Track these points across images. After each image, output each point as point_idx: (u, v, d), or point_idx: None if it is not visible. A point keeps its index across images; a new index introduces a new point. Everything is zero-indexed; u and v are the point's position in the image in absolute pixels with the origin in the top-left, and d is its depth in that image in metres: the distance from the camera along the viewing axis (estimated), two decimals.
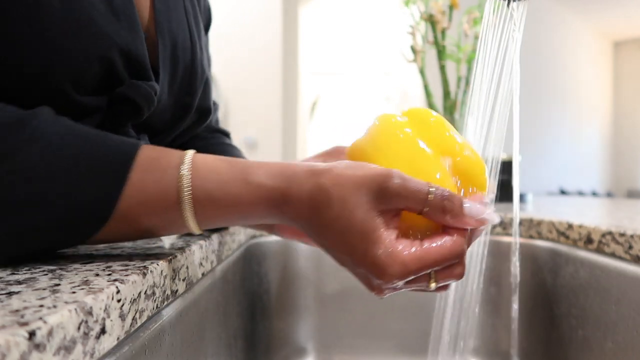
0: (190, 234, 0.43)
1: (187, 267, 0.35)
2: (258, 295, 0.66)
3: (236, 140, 0.63)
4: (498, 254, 0.67)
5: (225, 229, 0.49)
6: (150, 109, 0.40)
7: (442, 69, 1.10)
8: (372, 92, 6.31)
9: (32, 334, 0.16)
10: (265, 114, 2.81)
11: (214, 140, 0.58)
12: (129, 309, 0.25)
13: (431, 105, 1.14)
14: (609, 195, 4.53)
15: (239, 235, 0.56)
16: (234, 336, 0.52)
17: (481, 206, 0.31)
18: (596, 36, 5.00)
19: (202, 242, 0.40)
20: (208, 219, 0.31)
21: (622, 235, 0.48)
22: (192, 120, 0.50)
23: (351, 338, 0.69)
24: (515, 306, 0.54)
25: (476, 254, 0.43)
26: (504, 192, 0.95)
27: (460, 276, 0.32)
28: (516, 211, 0.45)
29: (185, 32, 0.46)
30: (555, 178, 4.29)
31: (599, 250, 0.51)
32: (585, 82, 4.81)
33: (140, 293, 0.26)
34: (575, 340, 0.53)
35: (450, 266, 0.31)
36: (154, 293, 0.28)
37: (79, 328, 0.19)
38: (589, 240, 0.53)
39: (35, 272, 0.26)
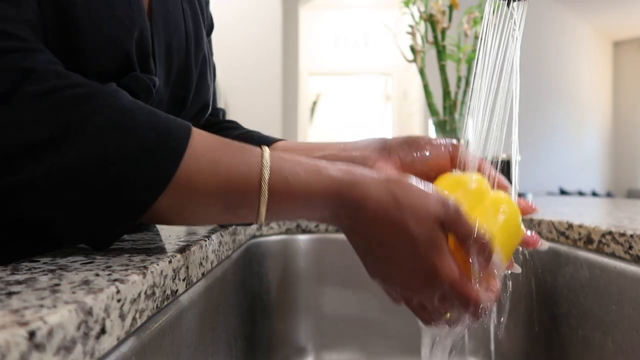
0: (191, 234, 0.43)
1: (187, 267, 0.35)
2: (258, 295, 0.66)
3: None
4: None
5: (225, 227, 0.49)
6: (148, 101, 0.40)
7: (442, 69, 1.10)
8: (372, 92, 6.31)
9: (32, 334, 0.16)
10: (265, 114, 2.81)
11: (243, 130, 0.58)
12: (129, 309, 0.25)
13: (431, 105, 1.14)
14: (609, 195, 4.53)
15: (239, 235, 0.56)
16: (234, 336, 0.52)
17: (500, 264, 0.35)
18: (596, 36, 5.00)
19: (202, 242, 0.40)
20: (279, 205, 0.32)
21: (622, 235, 0.48)
22: (190, 115, 0.50)
23: (351, 338, 0.69)
24: (515, 306, 0.54)
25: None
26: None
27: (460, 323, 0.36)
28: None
29: (181, 30, 0.46)
30: (555, 178, 4.28)
31: (599, 250, 0.51)
32: (585, 81, 4.81)
33: (140, 293, 0.26)
34: (575, 340, 0.53)
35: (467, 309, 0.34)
36: (154, 293, 0.28)
37: (79, 328, 0.19)
38: (589, 240, 0.53)
39: (35, 272, 0.26)
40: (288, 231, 0.71)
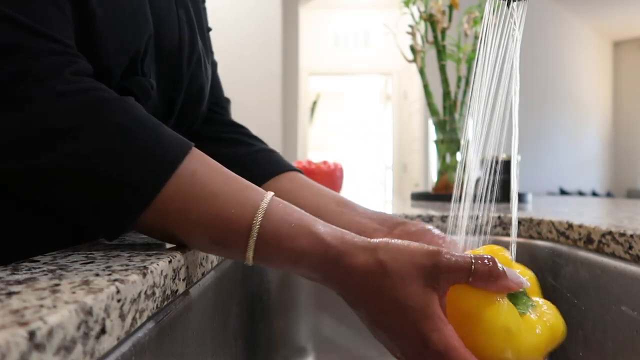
0: None
1: (187, 267, 0.35)
2: (258, 295, 0.66)
3: None
4: None
5: None
6: (147, 102, 0.41)
7: (442, 69, 1.10)
8: (372, 92, 6.31)
9: (32, 334, 0.16)
10: (265, 113, 2.81)
11: (256, 147, 0.59)
12: (129, 309, 0.25)
13: (431, 105, 1.14)
14: (609, 195, 4.53)
15: None
16: (234, 336, 0.52)
17: (515, 272, 0.33)
18: (596, 36, 5.00)
19: None
20: (265, 249, 0.32)
21: (622, 235, 0.48)
22: (179, 110, 0.51)
23: (351, 338, 0.69)
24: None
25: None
26: (504, 192, 0.95)
27: None
28: (515, 211, 0.45)
29: (174, 35, 0.47)
30: (555, 178, 4.29)
31: (599, 250, 0.51)
32: (585, 81, 4.81)
33: (140, 293, 0.26)
34: (575, 340, 0.53)
35: None
36: (154, 293, 0.28)
37: (78, 328, 0.19)
38: (589, 240, 0.53)
39: (35, 272, 0.26)
40: None
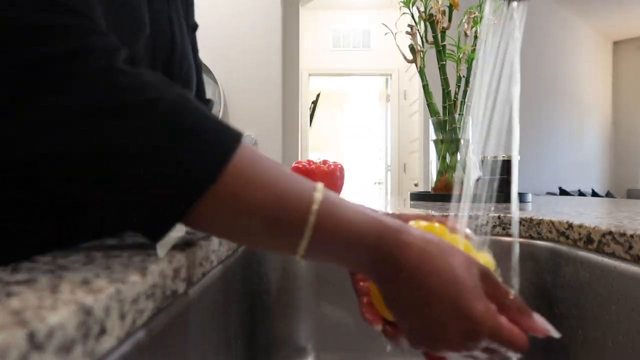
0: (191, 233, 0.43)
1: (187, 267, 0.35)
2: (258, 295, 0.66)
3: None
4: (498, 254, 0.67)
5: None
6: None
7: (442, 69, 1.10)
8: (372, 92, 6.31)
9: (32, 335, 0.16)
10: (265, 114, 2.81)
11: None
12: (129, 309, 0.25)
13: (431, 105, 1.14)
14: (609, 195, 4.53)
15: None
16: (234, 336, 0.52)
17: (544, 322, 0.36)
18: (596, 36, 5.00)
19: (202, 242, 0.40)
20: (322, 230, 0.31)
21: (622, 235, 0.48)
22: None
23: (351, 338, 0.69)
24: None
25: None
26: (504, 192, 0.95)
27: None
28: (515, 211, 0.45)
29: (166, 37, 0.47)
30: (555, 178, 4.28)
31: (599, 250, 0.51)
32: (585, 81, 4.81)
33: (140, 293, 0.26)
34: (575, 340, 0.53)
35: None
36: (154, 293, 0.28)
37: (78, 328, 0.19)
38: (589, 240, 0.53)
39: (35, 272, 0.26)
40: None
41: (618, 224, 0.53)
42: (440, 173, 1.11)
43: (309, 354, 0.69)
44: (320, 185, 0.33)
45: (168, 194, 0.28)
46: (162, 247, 0.33)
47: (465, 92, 1.11)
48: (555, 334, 0.35)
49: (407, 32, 1.16)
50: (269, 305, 0.68)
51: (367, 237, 0.32)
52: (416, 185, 3.63)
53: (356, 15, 4.39)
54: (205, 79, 0.94)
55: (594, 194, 4.17)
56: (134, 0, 0.40)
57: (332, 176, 1.09)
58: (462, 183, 1.13)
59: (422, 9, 1.12)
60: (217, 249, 0.45)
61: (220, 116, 2.61)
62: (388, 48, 4.20)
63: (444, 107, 1.12)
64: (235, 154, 0.30)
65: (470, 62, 1.12)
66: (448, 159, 1.10)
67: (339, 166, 1.12)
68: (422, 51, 1.15)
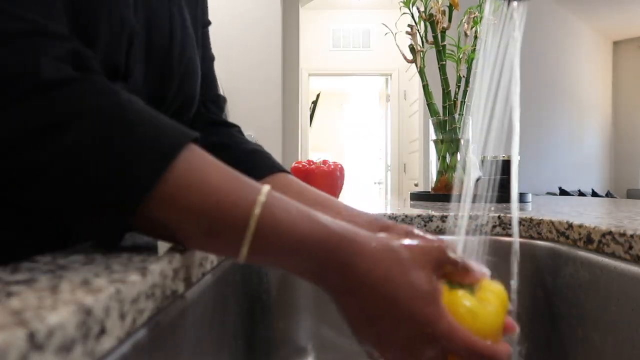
0: None
1: (187, 267, 0.35)
2: (258, 295, 0.66)
3: None
4: (497, 254, 0.67)
5: None
6: None
7: (442, 69, 1.10)
8: (371, 92, 6.31)
9: (31, 335, 0.16)
10: (265, 114, 2.81)
11: (244, 148, 0.58)
12: (129, 309, 0.25)
13: (431, 105, 1.14)
14: (609, 195, 4.53)
15: None
16: (234, 336, 0.52)
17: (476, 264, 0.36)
18: (596, 36, 5.00)
19: None
20: (263, 238, 0.30)
21: (622, 235, 0.48)
22: (171, 109, 0.51)
23: (351, 338, 0.69)
24: (514, 306, 0.54)
25: (476, 254, 0.43)
26: (504, 192, 0.95)
27: None
28: (515, 211, 0.45)
29: (164, 32, 0.47)
30: (555, 178, 4.28)
31: (599, 250, 0.51)
32: (584, 81, 4.81)
33: (140, 293, 0.26)
34: (575, 340, 0.53)
35: None
36: (153, 293, 0.28)
37: (78, 328, 0.19)
38: (589, 240, 0.53)
39: (35, 272, 0.26)
40: None
41: (618, 224, 0.53)
42: (440, 173, 1.11)
43: (309, 354, 0.69)
44: (265, 189, 0.31)
45: (109, 203, 0.29)
46: (162, 247, 0.33)
47: (465, 92, 1.11)
48: (485, 271, 0.37)
49: (407, 32, 1.16)
50: (269, 305, 0.68)
51: (312, 243, 0.31)
52: (416, 185, 3.63)
53: (356, 15, 4.39)
54: None
55: (594, 194, 4.17)
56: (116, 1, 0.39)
57: (332, 176, 1.09)
58: (462, 183, 1.13)
59: (422, 9, 1.12)
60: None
61: None
62: (388, 48, 4.20)
63: (444, 107, 1.12)
64: (175, 160, 0.29)
65: (470, 62, 1.12)
66: (448, 159, 1.10)
67: (339, 166, 1.12)
68: (422, 51, 1.15)
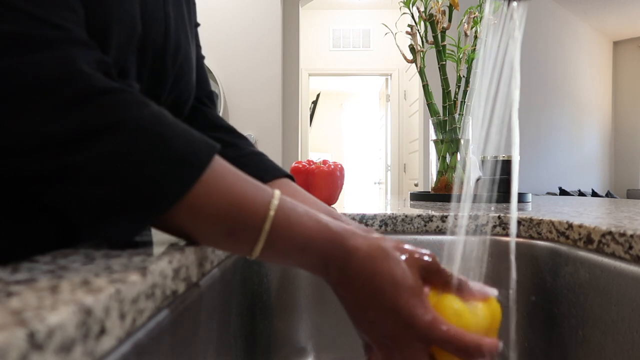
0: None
1: (187, 267, 0.35)
2: (258, 295, 0.66)
3: None
4: (497, 254, 0.67)
5: None
6: None
7: (442, 69, 1.10)
8: (371, 92, 6.31)
9: (31, 334, 0.16)
10: (265, 114, 2.81)
11: (245, 151, 0.59)
12: (129, 309, 0.25)
13: (431, 105, 1.14)
14: (609, 195, 4.53)
15: None
16: (234, 336, 0.52)
17: (482, 287, 0.38)
18: (596, 36, 5.00)
19: None
20: (276, 236, 0.34)
21: (622, 235, 0.48)
22: (164, 106, 0.51)
23: (351, 338, 0.69)
24: (514, 306, 0.54)
25: (476, 254, 0.43)
26: (504, 192, 0.95)
27: None
28: (514, 211, 0.45)
29: (159, 31, 0.47)
30: (555, 178, 4.29)
31: (598, 250, 0.51)
32: (585, 81, 4.81)
33: (140, 293, 0.26)
34: (575, 340, 0.53)
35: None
36: (153, 293, 0.28)
37: (78, 328, 0.19)
38: (589, 240, 0.53)
39: (35, 272, 0.26)
40: None
41: (618, 224, 0.53)
42: (440, 173, 1.11)
43: (309, 354, 0.69)
44: (277, 193, 0.35)
45: (138, 208, 0.30)
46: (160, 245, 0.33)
47: (465, 92, 1.11)
48: (492, 292, 0.38)
49: (407, 32, 1.16)
50: (269, 305, 0.68)
51: (317, 242, 0.35)
52: (416, 185, 3.63)
53: (356, 15, 4.39)
54: None
55: (594, 194, 4.17)
56: (125, 2, 0.40)
57: (332, 176, 1.09)
58: (462, 183, 1.13)
59: (422, 9, 1.12)
60: (216, 249, 0.44)
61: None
62: (388, 48, 4.20)
63: (444, 107, 1.12)
64: (204, 170, 0.32)
65: (470, 62, 1.12)
66: (448, 159, 1.10)
67: (339, 166, 1.12)
68: (422, 51, 1.15)
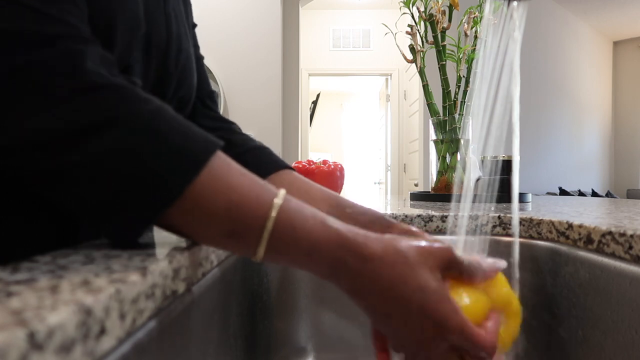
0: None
1: (187, 267, 0.35)
2: (258, 295, 0.66)
3: None
4: (498, 254, 0.67)
5: None
6: None
7: (442, 69, 1.10)
8: (371, 92, 6.31)
9: (31, 334, 0.16)
10: (265, 114, 2.81)
11: (247, 146, 0.59)
12: (129, 309, 0.25)
13: (431, 105, 1.14)
14: (609, 195, 4.52)
15: None
16: (234, 336, 0.52)
17: (492, 263, 0.40)
18: (596, 36, 5.00)
19: None
20: (280, 239, 0.32)
21: (622, 235, 0.48)
22: (173, 104, 0.51)
23: (351, 338, 0.69)
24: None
25: (476, 254, 0.43)
26: (504, 192, 0.95)
27: None
28: (516, 211, 0.45)
29: (161, 31, 0.47)
30: (555, 178, 4.28)
31: (599, 250, 0.51)
32: (585, 81, 4.81)
33: (140, 293, 0.26)
34: (575, 340, 0.53)
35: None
36: (153, 293, 0.28)
37: (78, 328, 0.19)
38: (589, 240, 0.53)
39: (35, 272, 0.26)
40: None
41: (618, 224, 0.53)
42: (440, 173, 1.11)
43: (309, 354, 0.69)
44: (281, 193, 0.33)
45: (135, 206, 0.30)
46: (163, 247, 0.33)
47: (465, 92, 1.11)
48: (501, 264, 0.40)
49: (407, 32, 1.16)
50: (269, 305, 0.68)
51: (325, 248, 0.33)
52: (416, 185, 3.63)
53: (356, 15, 4.39)
54: None
55: (594, 194, 4.17)
56: (130, 2, 0.40)
57: (332, 176, 1.09)
58: (462, 183, 1.13)
59: (422, 9, 1.12)
60: (217, 249, 0.45)
61: None
62: (388, 48, 4.20)
63: (444, 107, 1.12)
64: (203, 167, 0.31)
65: (470, 62, 1.12)
66: (448, 159, 1.10)
67: (339, 166, 1.12)
68: (422, 51, 1.15)
